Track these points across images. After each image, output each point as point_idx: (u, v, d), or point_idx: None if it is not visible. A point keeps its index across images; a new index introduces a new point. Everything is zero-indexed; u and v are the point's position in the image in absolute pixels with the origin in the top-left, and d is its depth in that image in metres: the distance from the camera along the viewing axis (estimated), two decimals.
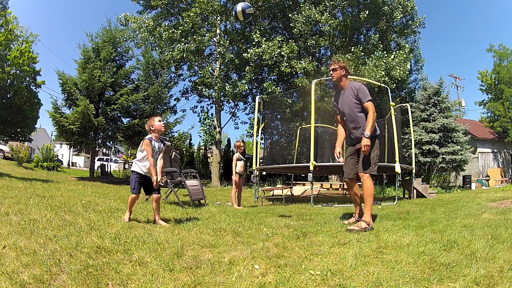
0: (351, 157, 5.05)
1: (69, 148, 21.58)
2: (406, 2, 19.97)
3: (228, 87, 20.12)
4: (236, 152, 8.67)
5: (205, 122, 21.82)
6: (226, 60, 20.31)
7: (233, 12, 6.22)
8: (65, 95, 17.29)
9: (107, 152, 22.95)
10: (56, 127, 16.98)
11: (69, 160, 44.32)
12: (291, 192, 10.70)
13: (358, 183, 5.10)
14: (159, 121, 4.90)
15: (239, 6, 6.12)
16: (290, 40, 19.73)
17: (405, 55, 18.34)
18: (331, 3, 19.59)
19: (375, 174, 4.86)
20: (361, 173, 4.84)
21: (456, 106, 26.11)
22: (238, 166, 8.38)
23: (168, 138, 9.23)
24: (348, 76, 5.26)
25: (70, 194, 7.27)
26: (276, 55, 18.40)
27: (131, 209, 4.93)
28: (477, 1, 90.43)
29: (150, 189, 4.90)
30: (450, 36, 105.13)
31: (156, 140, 4.85)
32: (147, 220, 4.85)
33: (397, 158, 9.54)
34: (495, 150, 27.55)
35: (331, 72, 5.22)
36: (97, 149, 20.41)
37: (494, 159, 27.41)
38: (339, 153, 5.16)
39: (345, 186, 14.42)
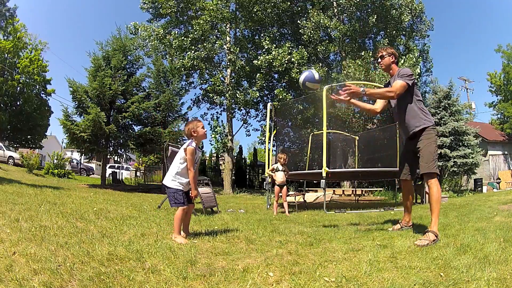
0: (406, 154, 4.64)
1: (80, 156, 21.72)
2: (415, 5, 19.97)
3: (239, 94, 20.17)
4: (277, 162, 8.61)
5: (216, 130, 21.89)
6: (237, 67, 20.38)
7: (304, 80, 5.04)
8: (76, 102, 17.41)
9: (118, 159, 23.05)
10: (67, 135, 17.09)
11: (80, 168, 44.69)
12: (303, 199, 10.63)
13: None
14: (203, 127, 4.31)
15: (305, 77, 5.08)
16: (299, 46, 19.76)
17: (414, 59, 18.27)
18: (339, 8, 19.63)
19: (438, 174, 4.26)
20: (427, 176, 4.20)
21: (467, 109, 25.93)
22: (277, 177, 8.39)
23: (180, 146, 9.18)
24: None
25: (81, 201, 7.27)
26: (286, 61, 18.42)
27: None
28: (484, 1, 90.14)
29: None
30: (458, 37, 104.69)
31: (198, 148, 4.29)
32: (160, 228, 4.78)
33: None
34: (506, 152, 27.28)
35: (379, 59, 4.72)
36: (108, 156, 20.51)
37: (505, 161, 27.14)
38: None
39: (357, 192, 14.46)
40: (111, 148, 18.78)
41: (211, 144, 22.85)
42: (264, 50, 19.64)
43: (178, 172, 4.20)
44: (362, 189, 17.44)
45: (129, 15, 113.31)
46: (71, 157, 31.95)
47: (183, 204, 4.13)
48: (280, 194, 8.45)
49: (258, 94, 20.43)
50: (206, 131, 4.36)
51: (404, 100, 4.39)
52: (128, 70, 19.13)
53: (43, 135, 33.91)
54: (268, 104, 11.70)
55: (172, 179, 4.20)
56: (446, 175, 18.74)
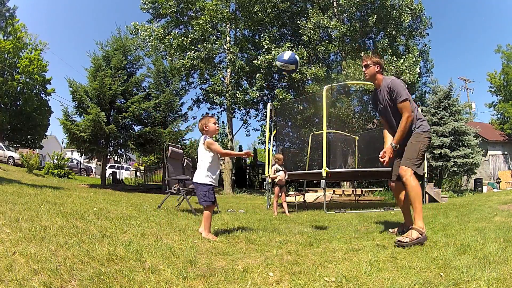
0: (396, 157, 4.38)
1: (80, 156, 21.70)
2: (414, 5, 19.99)
3: (239, 94, 20.17)
4: (275, 164, 8.61)
5: None
6: (237, 67, 20.38)
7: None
8: (76, 102, 17.39)
9: (118, 159, 23.04)
10: (67, 135, 17.07)
11: (80, 167, 44.70)
12: (303, 199, 10.62)
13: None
14: (214, 123, 4.46)
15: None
16: (299, 46, 19.77)
17: (414, 58, 18.30)
18: (339, 8, 19.63)
19: (420, 174, 4.11)
20: (402, 170, 4.07)
21: (467, 109, 25.91)
22: (278, 178, 8.38)
23: (180, 146, 9.19)
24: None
25: (81, 201, 7.25)
26: None
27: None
28: (484, 1, 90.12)
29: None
30: (458, 37, 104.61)
31: None
32: (160, 228, 4.77)
33: None
34: (506, 152, 27.27)
35: (363, 69, 4.54)
36: (108, 156, 20.49)
37: (505, 161, 27.13)
38: (383, 155, 4.25)
39: (357, 192, 14.46)
40: (111, 148, 18.75)
41: None
42: (264, 50, 19.64)
43: (209, 168, 4.31)
44: (362, 189, 17.43)
45: (129, 15, 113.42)
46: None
47: (212, 203, 4.32)
48: (280, 194, 8.43)
49: (258, 94, 20.43)
50: (218, 126, 4.54)
51: (395, 112, 4.29)
52: (128, 70, 19.13)
53: (43, 135, 33.93)
54: (268, 104, 11.67)
55: (206, 175, 4.30)
56: (446, 175, 18.75)
